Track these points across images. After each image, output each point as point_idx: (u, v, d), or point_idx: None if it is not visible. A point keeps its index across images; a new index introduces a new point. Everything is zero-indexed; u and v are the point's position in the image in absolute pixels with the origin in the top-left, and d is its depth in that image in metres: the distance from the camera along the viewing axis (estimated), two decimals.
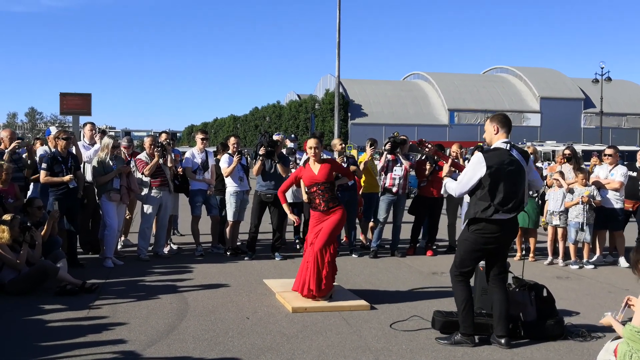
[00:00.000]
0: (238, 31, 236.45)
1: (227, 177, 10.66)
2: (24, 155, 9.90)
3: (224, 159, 10.78)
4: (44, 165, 9.24)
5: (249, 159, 15.60)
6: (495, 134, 6.07)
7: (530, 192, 10.48)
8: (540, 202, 10.78)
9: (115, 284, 8.42)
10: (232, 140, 10.97)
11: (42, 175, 9.20)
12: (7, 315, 6.82)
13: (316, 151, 7.77)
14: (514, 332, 6.17)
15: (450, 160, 6.83)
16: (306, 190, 8.07)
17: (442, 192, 6.49)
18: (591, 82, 51.99)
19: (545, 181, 11.16)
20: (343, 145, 11.35)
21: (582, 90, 74.67)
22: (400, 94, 75.46)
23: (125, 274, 9.04)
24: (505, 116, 6.21)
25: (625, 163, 11.33)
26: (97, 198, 9.98)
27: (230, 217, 10.67)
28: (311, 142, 7.82)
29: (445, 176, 6.51)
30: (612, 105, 71.20)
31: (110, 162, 9.65)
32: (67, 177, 9.20)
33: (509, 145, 5.95)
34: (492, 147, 6.02)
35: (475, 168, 5.86)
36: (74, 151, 9.79)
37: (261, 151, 10.21)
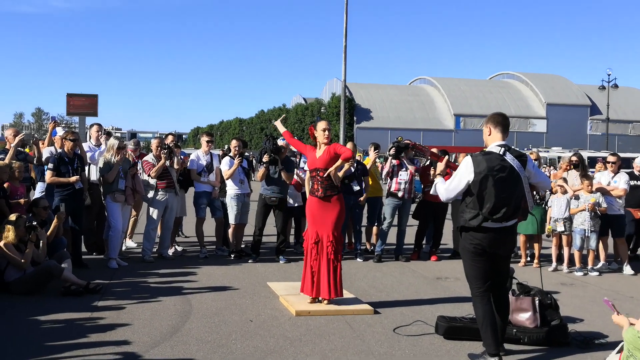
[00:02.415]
0: (245, 34, 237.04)
1: (227, 179, 10.67)
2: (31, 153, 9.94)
3: (224, 162, 10.80)
4: (50, 165, 9.26)
5: (254, 162, 15.59)
6: (489, 135, 5.66)
7: (537, 199, 10.49)
8: (546, 208, 10.74)
9: (120, 285, 8.44)
10: (233, 143, 11.00)
11: (48, 176, 9.22)
12: (11, 314, 6.84)
13: (328, 133, 7.53)
14: (517, 338, 6.16)
15: (445, 159, 6.22)
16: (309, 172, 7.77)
17: (431, 192, 6.09)
18: (598, 88, 51.95)
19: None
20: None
21: (589, 97, 74.54)
22: (407, 99, 75.42)
23: (130, 275, 9.05)
24: (500, 115, 5.74)
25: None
26: (102, 199, 10.01)
27: (232, 220, 10.68)
28: (324, 124, 7.59)
29: (437, 174, 6.03)
30: (619, 112, 71.02)
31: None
32: (73, 178, 9.22)
33: (502, 149, 5.52)
34: (484, 151, 5.64)
35: (463, 173, 5.52)
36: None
37: (265, 158, 10.21)
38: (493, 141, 5.64)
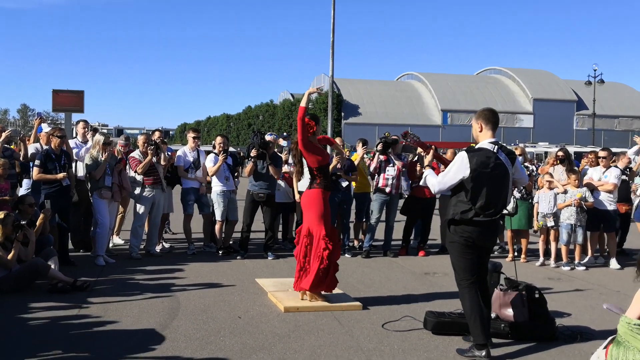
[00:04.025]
0: (232, 30, 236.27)
1: (212, 176, 10.64)
2: (17, 150, 9.86)
3: (209, 159, 10.76)
4: (37, 162, 9.20)
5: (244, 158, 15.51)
6: (480, 131, 5.75)
7: (524, 195, 10.55)
8: (533, 203, 10.78)
9: (107, 282, 8.39)
10: (218, 139, 10.95)
11: (35, 172, 9.16)
12: None
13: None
14: (505, 333, 6.18)
15: (431, 152, 6.36)
16: (315, 168, 7.40)
17: (421, 183, 6.19)
18: (584, 84, 52.23)
19: (536, 183, 11.21)
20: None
21: (575, 92, 74.84)
22: (394, 94, 75.42)
23: (117, 272, 9.01)
24: (490, 111, 5.82)
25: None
26: (89, 195, 9.95)
27: (218, 217, 10.65)
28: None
29: (426, 166, 6.16)
30: (605, 107, 71.38)
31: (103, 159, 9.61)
32: (60, 175, 9.17)
33: (496, 147, 5.63)
34: (477, 147, 5.69)
35: (459, 168, 5.57)
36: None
37: (253, 153, 10.18)
38: (484, 138, 5.72)
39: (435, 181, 5.78)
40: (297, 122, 7.30)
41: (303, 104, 7.32)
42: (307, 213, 7.39)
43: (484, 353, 5.53)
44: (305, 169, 8.47)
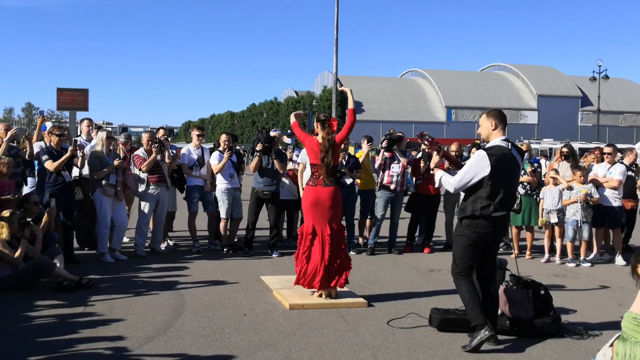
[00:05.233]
0: (236, 27, 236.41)
1: (217, 173, 10.64)
2: (23, 149, 9.88)
3: (214, 156, 10.77)
4: (44, 157, 9.20)
5: (245, 155, 15.53)
6: (494, 129, 5.93)
7: (528, 192, 10.53)
8: (538, 199, 10.76)
9: (112, 280, 8.40)
10: (223, 137, 10.95)
11: (49, 164, 9.13)
12: (3, 311, 6.80)
13: None
14: (510, 329, 6.17)
15: (441, 152, 6.49)
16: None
17: (436, 185, 6.30)
18: (589, 80, 52.05)
19: (543, 178, 11.18)
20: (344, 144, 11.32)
21: (580, 88, 74.71)
22: (398, 91, 75.39)
23: (122, 270, 9.02)
24: (501, 112, 6.10)
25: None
26: (90, 193, 9.94)
27: (223, 215, 10.64)
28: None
29: (435, 167, 6.33)
30: (610, 103, 71.19)
31: (107, 156, 9.61)
32: (68, 152, 9.17)
33: (509, 144, 5.86)
34: (492, 145, 5.88)
35: (479, 166, 5.73)
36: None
37: (258, 147, 10.18)
38: (497, 136, 5.93)
39: (454, 180, 5.91)
40: (348, 120, 7.59)
41: (352, 105, 7.67)
42: (332, 210, 7.36)
43: (487, 332, 5.60)
44: (308, 166, 8.48)
